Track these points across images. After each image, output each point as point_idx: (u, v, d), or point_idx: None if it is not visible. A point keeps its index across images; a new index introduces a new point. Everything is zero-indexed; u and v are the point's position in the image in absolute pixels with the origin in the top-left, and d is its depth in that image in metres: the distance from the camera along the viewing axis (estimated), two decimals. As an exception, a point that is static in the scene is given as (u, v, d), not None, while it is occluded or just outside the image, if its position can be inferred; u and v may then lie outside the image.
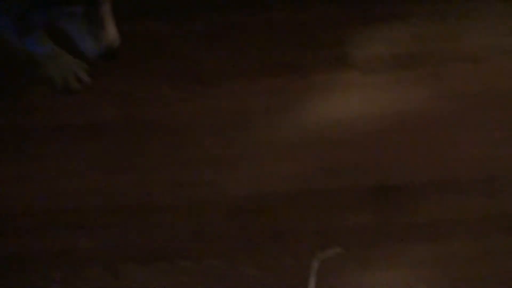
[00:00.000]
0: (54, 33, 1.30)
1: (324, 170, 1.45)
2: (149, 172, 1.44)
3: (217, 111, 1.51)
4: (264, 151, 1.47)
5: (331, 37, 1.60)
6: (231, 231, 1.38)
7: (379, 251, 1.36)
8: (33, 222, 1.38)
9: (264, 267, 1.34)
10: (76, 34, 1.11)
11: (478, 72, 1.56)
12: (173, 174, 1.44)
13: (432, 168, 1.46)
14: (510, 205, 1.41)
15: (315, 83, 1.55)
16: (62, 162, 1.45)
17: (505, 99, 1.53)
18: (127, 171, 1.44)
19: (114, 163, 1.45)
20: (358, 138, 1.50)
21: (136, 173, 1.44)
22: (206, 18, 1.62)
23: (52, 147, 1.47)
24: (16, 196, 1.41)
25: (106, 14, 1.10)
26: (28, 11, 1.04)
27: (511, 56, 1.58)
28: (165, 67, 1.57)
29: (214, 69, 1.56)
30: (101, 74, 1.51)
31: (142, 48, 1.56)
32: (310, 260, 1.34)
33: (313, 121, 1.51)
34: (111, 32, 1.12)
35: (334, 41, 1.59)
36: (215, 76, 1.55)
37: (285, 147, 1.48)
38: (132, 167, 1.44)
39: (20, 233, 1.37)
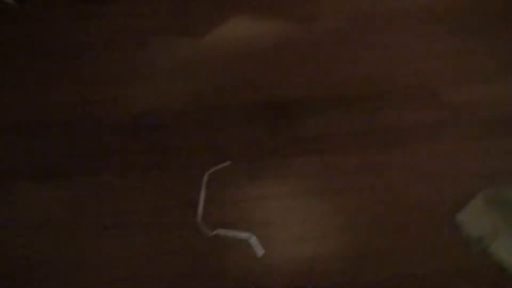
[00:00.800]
0: None
1: (217, 88, 1.49)
2: (44, 90, 1.45)
3: (114, 30, 1.52)
4: (160, 69, 1.50)
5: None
6: (126, 147, 1.42)
7: (267, 164, 1.43)
8: None
9: (156, 182, 1.39)
10: None
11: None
12: (71, 92, 1.46)
13: (321, 85, 1.53)
14: (390, 122, 1.50)
15: (210, 2, 1.57)
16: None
17: (394, 21, 1.59)
18: (17, 88, 1.44)
19: (5, 80, 1.45)
20: (252, 57, 1.54)
21: (29, 91, 1.45)
22: None
23: None
24: None
25: None
26: None
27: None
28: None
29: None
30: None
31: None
32: (202, 173, 1.40)
33: (208, 41, 1.54)
34: None
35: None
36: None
37: (180, 66, 1.51)
38: (23, 85, 1.45)
39: None
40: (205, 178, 1.38)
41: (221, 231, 1.33)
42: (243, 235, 1.33)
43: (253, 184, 1.40)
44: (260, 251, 1.31)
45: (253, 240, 1.32)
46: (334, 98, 1.51)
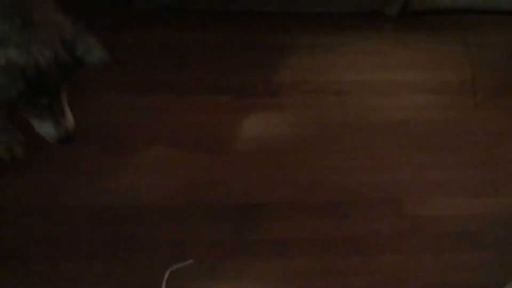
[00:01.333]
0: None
1: (189, 186, 1.53)
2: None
3: (98, 123, 1.57)
4: (133, 164, 1.55)
5: (206, 63, 1.70)
6: (91, 237, 1.45)
7: (231, 264, 1.45)
8: None
9: (119, 275, 1.41)
10: (38, 120, 1.19)
11: (340, 103, 1.69)
12: (46, 178, 1.50)
13: (290, 189, 1.57)
14: (354, 230, 1.54)
15: (189, 103, 1.65)
16: None
17: (364, 129, 1.66)
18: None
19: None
20: (226, 157, 1.59)
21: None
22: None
23: None
24: None
25: (65, 103, 1.20)
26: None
27: (371, 90, 1.71)
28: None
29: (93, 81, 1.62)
30: None
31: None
32: (164, 270, 1.42)
33: (183, 138, 1.60)
34: (70, 118, 1.22)
35: (208, 67, 1.69)
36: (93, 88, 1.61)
37: (153, 162, 1.56)
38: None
39: None
40: (166, 275, 1.40)
41: None
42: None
43: (214, 284, 1.42)
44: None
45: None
46: (302, 203, 1.56)
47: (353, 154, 1.63)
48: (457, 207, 1.59)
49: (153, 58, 1.69)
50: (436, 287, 1.48)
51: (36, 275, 1.39)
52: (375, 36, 1.81)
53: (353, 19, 1.81)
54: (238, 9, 1.76)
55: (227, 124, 1.64)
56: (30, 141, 1.47)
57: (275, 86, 1.70)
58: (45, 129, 1.20)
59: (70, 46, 1.09)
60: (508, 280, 1.46)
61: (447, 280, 1.49)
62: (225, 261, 1.46)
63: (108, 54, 1.12)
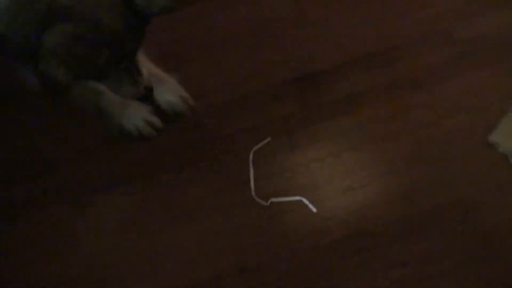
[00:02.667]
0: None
1: (246, 74, 1.62)
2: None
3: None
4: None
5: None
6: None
7: (304, 132, 1.54)
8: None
9: (215, 169, 1.52)
10: (116, 83, 1.25)
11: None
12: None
13: (341, 51, 1.63)
14: (408, 68, 1.59)
15: None
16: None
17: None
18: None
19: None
20: (274, 39, 1.66)
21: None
22: None
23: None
24: None
25: (139, 62, 1.25)
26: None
27: None
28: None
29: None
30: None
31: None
32: (247, 154, 1.53)
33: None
34: (146, 75, 1.28)
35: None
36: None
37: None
38: None
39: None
40: (251, 156, 1.50)
41: (274, 200, 1.45)
42: (295, 198, 1.44)
43: (295, 153, 1.52)
44: (312, 208, 1.42)
45: (305, 201, 1.44)
46: (354, 61, 1.61)
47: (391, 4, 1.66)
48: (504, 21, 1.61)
49: None
50: (503, 95, 1.52)
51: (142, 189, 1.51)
52: None
53: None
54: None
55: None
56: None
57: None
58: (125, 90, 1.26)
59: (129, 3, 1.08)
60: None
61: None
62: (298, 131, 1.54)
63: None
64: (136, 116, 1.50)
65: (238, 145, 1.54)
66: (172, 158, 1.54)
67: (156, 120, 1.52)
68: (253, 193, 1.46)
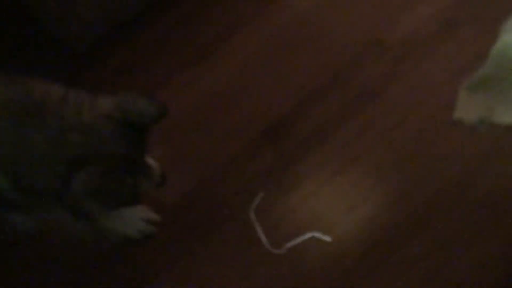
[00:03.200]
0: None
1: (217, 145, 1.68)
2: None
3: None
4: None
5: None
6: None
7: (290, 175, 1.61)
8: None
9: (223, 239, 1.55)
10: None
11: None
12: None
13: (293, 91, 1.72)
14: (358, 87, 1.70)
15: None
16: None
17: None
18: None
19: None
20: (227, 106, 1.74)
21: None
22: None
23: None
24: None
25: (146, 158, 1.28)
26: None
27: None
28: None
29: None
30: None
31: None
32: (247, 214, 1.58)
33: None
34: (155, 167, 1.32)
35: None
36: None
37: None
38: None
39: None
40: (252, 215, 1.55)
41: (289, 245, 1.49)
42: (307, 236, 1.50)
43: (289, 197, 1.58)
44: (327, 238, 1.48)
45: (317, 235, 1.49)
46: (308, 96, 1.71)
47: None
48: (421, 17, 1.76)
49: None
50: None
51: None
52: None
53: None
54: None
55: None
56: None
57: None
58: (144, 187, 1.28)
59: (123, 120, 1.13)
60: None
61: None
62: (283, 176, 1.61)
63: (159, 103, 1.16)
64: (134, 220, 1.54)
65: (235, 209, 1.59)
66: (177, 247, 1.56)
67: (154, 216, 1.56)
68: (267, 246, 1.50)
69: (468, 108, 1.54)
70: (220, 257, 1.53)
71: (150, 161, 1.33)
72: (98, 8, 1.76)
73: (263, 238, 1.52)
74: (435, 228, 1.45)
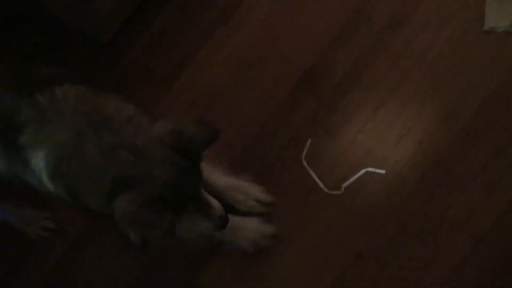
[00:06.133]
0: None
1: (257, 103, 1.72)
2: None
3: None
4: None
5: None
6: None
7: (333, 119, 1.63)
8: None
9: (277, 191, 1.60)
10: (192, 223, 1.29)
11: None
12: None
13: (313, 44, 1.74)
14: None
15: None
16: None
17: None
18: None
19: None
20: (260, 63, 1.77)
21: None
22: None
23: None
24: None
25: (206, 194, 1.24)
26: None
27: None
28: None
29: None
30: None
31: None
32: (301, 163, 1.61)
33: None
34: (217, 205, 1.26)
35: None
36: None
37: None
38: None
39: None
40: (304, 162, 1.59)
41: (345, 184, 1.53)
42: (361, 172, 1.53)
43: (336, 139, 1.61)
44: (380, 171, 1.51)
45: (371, 169, 1.52)
46: (334, 37, 1.72)
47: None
48: None
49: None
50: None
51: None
52: None
53: None
54: None
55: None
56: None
57: None
58: (202, 226, 1.30)
59: (175, 144, 1.11)
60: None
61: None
62: (327, 121, 1.64)
63: (211, 126, 1.14)
64: (251, 233, 1.53)
65: (288, 161, 1.63)
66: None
67: (270, 230, 1.55)
68: (325, 189, 1.54)
69: (498, 16, 1.52)
70: (282, 209, 1.57)
71: (213, 201, 1.26)
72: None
73: (319, 183, 1.56)
74: (486, 139, 1.46)
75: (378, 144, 1.57)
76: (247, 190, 1.56)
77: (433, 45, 1.59)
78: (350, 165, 1.56)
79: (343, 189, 1.54)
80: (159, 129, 1.12)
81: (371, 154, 1.56)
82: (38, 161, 1.13)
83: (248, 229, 1.52)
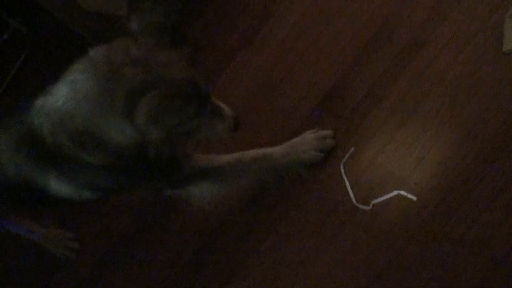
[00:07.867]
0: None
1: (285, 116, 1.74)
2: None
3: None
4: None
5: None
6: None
7: (352, 139, 1.66)
8: None
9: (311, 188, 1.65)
10: (206, 129, 1.25)
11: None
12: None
13: (330, 70, 1.76)
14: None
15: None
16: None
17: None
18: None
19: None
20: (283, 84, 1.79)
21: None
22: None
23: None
24: None
25: (215, 99, 1.27)
26: None
27: None
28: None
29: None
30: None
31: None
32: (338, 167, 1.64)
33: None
34: (227, 109, 1.29)
35: None
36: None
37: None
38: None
39: None
40: (342, 169, 1.62)
41: (375, 201, 1.55)
42: (393, 193, 1.54)
43: (356, 158, 1.62)
44: (412, 197, 1.51)
45: (403, 193, 1.53)
46: (353, 61, 1.74)
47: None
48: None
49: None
50: None
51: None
52: None
53: None
54: None
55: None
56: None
57: None
58: (216, 131, 1.28)
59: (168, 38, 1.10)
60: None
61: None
62: (345, 142, 1.66)
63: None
64: (308, 146, 1.61)
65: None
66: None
67: (325, 132, 1.64)
68: (354, 201, 1.58)
69: (516, 37, 1.52)
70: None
71: (223, 104, 1.29)
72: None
73: (351, 194, 1.59)
74: (505, 160, 1.45)
75: (398, 165, 1.57)
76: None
77: (453, 66, 1.60)
78: (382, 182, 1.57)
79: (371, 205, 1.55)
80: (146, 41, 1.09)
81: (392, 175, 1.57)
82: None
83: (305, 142, 1.60)
